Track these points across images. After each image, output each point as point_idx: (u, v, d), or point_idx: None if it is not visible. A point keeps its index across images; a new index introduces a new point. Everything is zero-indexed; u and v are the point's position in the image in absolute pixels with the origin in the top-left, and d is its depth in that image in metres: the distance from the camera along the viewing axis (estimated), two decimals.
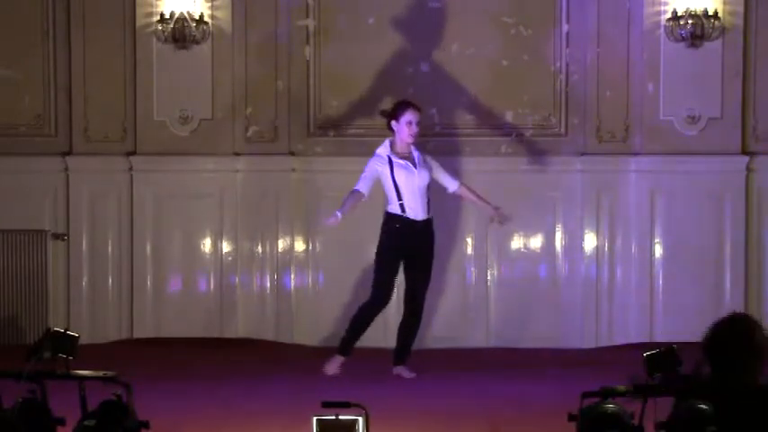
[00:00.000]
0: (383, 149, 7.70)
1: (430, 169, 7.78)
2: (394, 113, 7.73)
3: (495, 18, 9.16)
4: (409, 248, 7.73)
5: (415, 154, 7.74)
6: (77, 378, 4.68)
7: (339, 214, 7.48)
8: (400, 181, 7.62)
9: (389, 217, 7.72)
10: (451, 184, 7.95)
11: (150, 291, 9.18)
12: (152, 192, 9.20)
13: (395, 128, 7.70)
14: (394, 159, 7.64)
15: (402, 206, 7.62)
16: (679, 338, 8.27)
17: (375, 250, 7.84)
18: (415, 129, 7.67)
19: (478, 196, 8.07)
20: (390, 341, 8.71)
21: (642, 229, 9.04)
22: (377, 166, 7.66)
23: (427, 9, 9.19)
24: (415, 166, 7.67)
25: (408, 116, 7.66)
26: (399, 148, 7.71)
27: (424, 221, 7.71)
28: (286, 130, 9.21)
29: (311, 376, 7.70)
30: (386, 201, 7.79)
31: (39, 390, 4.65)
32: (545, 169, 9.10)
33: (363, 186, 7.64)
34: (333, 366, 7.77)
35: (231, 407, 6.51)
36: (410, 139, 7.68)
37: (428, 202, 7.75)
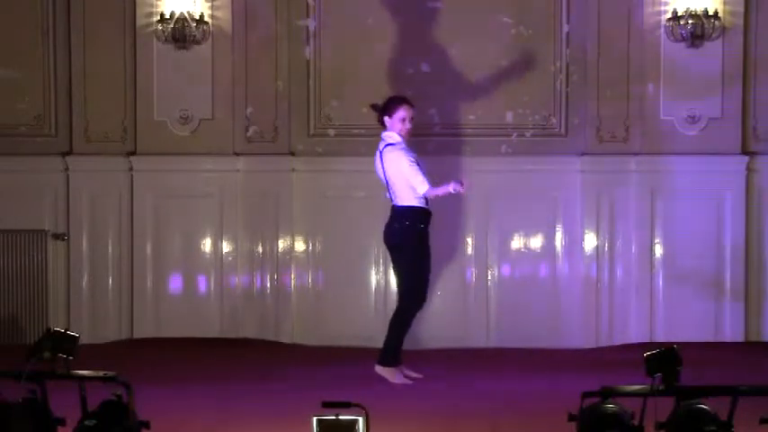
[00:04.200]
0: (398, 139, 7.44)
1: None
2: (387, 109, 7.52)
3: (495, 18, 9.16)
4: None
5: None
6: (77, 378, 4.68)
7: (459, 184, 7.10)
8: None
9: (418, 213, 7.39)
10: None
11: (150, 291, 9.18)
12: (152, 192, 9.20)
13: (387, 123, 7.50)
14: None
15: (426, 199, 7.39)
16: (679, 338, 8.34)
17: (405, 252, 7.44)
18: (408, 125, 7.47)
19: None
20: None
21: (642, 229, 9.04)
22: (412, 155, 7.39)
23: (427, 9, 9.19)
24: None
25: (402, 112, 7.45)
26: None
27: None
28: (286, 130, 9.21)
29: (311, 376, 7.69)
30: (401, 197, 7.39)
31: (39, 390, 4.65)
32: (545, 169, 9.11)
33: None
34: (398, 378, 7.45)
35: (231, 407, 6.50)
36: (404, 136, 7.48)
37: None
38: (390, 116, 7.49)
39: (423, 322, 9.05)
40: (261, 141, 9.19)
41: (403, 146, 7.44)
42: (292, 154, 9.20)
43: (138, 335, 9.18)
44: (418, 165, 7.36)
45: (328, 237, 9.17)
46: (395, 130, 7.48)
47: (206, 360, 8.39)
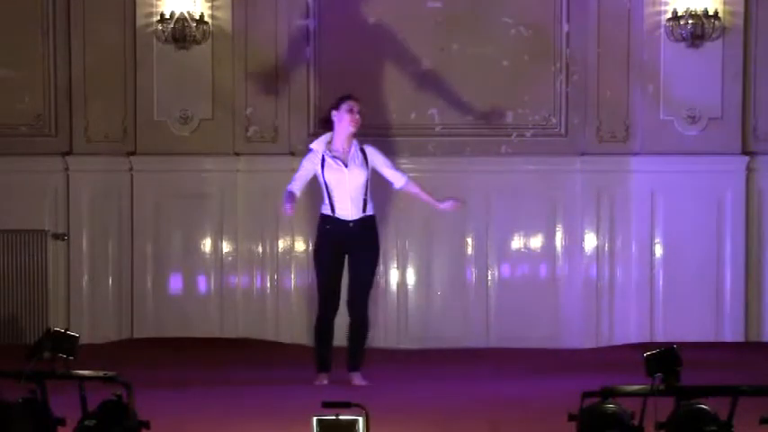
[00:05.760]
0: (318, 145, 7.35)
1: (369, 166, 7.37)
2: (334, 106, 7.38)
3: (495, 18, 9.16)
4: (345, 249, 7.35)
5: (354, 150, 7.37)
6: (77, 378, 4.68)
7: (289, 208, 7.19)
8: (330, 180, 7.27)
9: (321, 218, 7.39)
10: (398, 180, 7.47)
11: (150, 291, 9.18)
12: (152, 192, 9.20)
13: (336, 118, 7.34)
14: (327, 157, 7.29)
15: (332, 206, 7.28)
16: (679, 338, 8.33)
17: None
18: (357, 116, 7.30)
19: (424, 192, 7.55)
20: (390, 342, 8.74)
21: (642, 229, 9.04)
22: (309, 164, 7.34)
23: (427, 9, 9.19)
24: (347, 166, 7.28)
25: (349, 104, 7.32)
26: (338, 144, 7.34)
27: (358, 221, 7.29)
28: (286, 130, 9.21)
29: (311, 376, 7.68)
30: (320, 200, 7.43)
31: (39, 390, 4.65)
32: (545, 169, 9.10)
33: (296, 186, 7.30)
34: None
35: (231, 407, 6.50)
36: (352, 127, 7.31)
37: (365, 201, 7.31)
38: (338, 109, 7.34)
39: (423, 322, 9.06)
40: (261, 141, 9.19)
41: (313, 150, 7.34)
42: (292, 154, 9.20)
43: (138, 335, 9.18)
44: (304, 170, 7.34)
45: None
46: (344, 121, 7.31)
47: (206, 360, 8.39)
